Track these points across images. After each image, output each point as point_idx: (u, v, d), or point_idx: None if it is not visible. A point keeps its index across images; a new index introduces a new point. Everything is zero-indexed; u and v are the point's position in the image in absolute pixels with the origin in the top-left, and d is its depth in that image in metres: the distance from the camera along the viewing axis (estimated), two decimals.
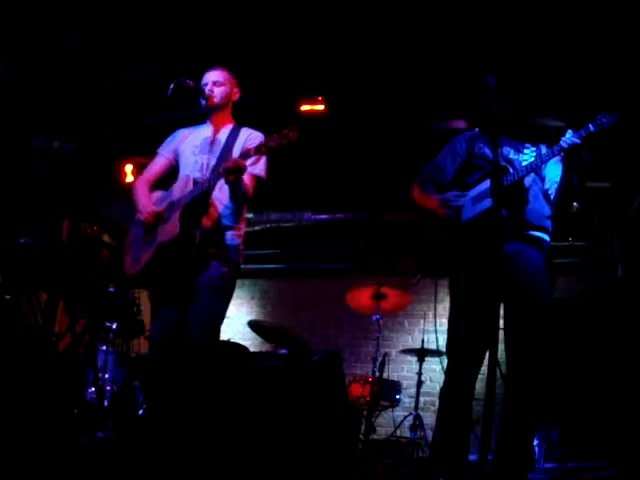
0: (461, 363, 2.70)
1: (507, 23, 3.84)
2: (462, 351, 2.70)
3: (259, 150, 2.67)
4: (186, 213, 2.79)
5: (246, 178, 2.87)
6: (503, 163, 2.78)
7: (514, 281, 2.65)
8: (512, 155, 2.86)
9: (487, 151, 2.85)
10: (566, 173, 2.73)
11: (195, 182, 2.86)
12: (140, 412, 4.41)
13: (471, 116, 2.97)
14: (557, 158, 2.74)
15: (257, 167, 2.93)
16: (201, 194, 2.82)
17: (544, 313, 2.65)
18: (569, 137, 2.60)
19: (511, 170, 2.74)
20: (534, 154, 2.83)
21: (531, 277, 2.69)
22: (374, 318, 5.57)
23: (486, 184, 2.76)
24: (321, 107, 4.77)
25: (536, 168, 2.73)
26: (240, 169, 2.64)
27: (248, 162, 2.86)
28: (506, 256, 2.63)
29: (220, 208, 2.91)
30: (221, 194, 2.91)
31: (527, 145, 2.90)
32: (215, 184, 2.84)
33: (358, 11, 3.92)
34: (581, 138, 2.58)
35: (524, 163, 2.79)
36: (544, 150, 2.79)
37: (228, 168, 2.65)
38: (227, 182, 2.73)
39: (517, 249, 2.70)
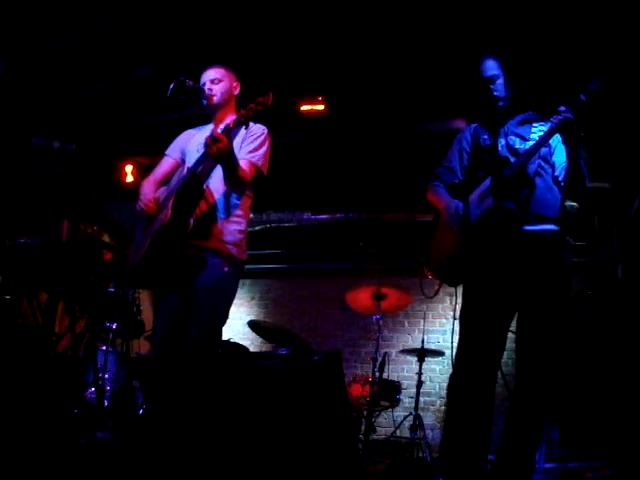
0: (476, 362, 2.58)
1: (508, 22, 3.85)
2: (477, 352, 2.59)
3: (238, 122, 2.69)
4: (179, 199, 2.78)
5: (243, 164, 2.86)
6: (506, 154, 2.68)
7: (529, 283, 2.57)
8: (518, 144, 2.73)
9: (491, 143, 2.70)
10: (569, 154, 2.58)
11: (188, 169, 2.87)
12: (140, 412, 4.40)
13: (473, 109, 2.86)
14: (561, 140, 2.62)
15: (255, 155, 2.93)
16: (192, 177, 2.81)
17: (560, 319, 2.56)
18: (560, 113, 2.49)
19: (512, 160, 2.61)
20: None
21: (547, 278, 2.58)
22: (374, 318, 5.56)
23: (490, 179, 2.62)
24: (321, 107, 4.77)
25: (535, 152, 2.59)
26: (216, 139, 2.60)
27: (246, 149, 2.89)
28: (519, 253, 2.57)
29: (216, 196, 2.90)
30: (218, 183, 2.90)
31: (535, 125, 2.75)
32: (205, 166, 2.82)
33: (358, 11, 3.92)
34: (574, 111, 2.46)
35: None
36: (541, 136, 2.63)
37: (207, 138, 2.64)
38: (211, 157, 2.69)
39: (531, 244, 2.59)
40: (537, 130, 2.73)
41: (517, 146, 2.73)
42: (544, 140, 2.58)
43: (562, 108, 2.50)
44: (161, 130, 3.44)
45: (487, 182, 2.63)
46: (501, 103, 2.76)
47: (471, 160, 2.86)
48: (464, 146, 2.91)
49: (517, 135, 2.76)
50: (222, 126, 2.77)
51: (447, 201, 2.82)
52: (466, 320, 2.68)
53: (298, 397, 2.23)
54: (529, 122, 2.79)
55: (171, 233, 2.78)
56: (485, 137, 2.79)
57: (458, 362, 2.65)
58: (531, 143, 2.68)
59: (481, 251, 2.63)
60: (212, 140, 2.60)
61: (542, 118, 2.78)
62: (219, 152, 2.62)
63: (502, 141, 2.76)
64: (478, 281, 2.66)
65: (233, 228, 2.92)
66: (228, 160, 2.72)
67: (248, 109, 2.66)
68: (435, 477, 4.27)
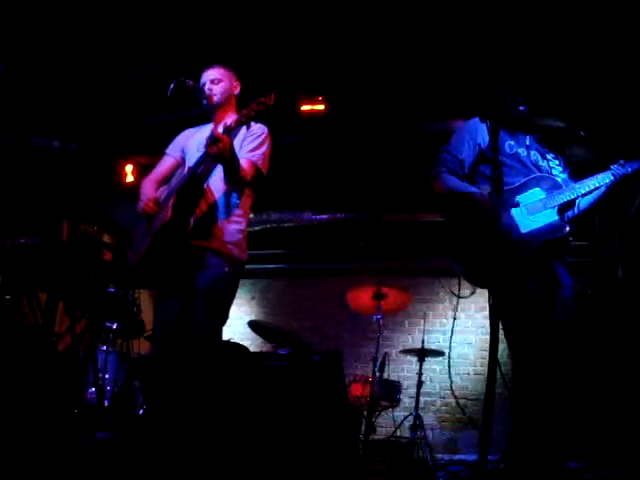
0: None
1: (508, 22, 3.84)
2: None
3: (239, 121, 2.69)
4: (179, 199, 2.79)
5: (244, 163, 2.86)
6: (534, 170, 2.77)
7: (557, 301, 2.65)
8: (540, 162, 2.82)
9: (519, 152, 2.79)
10: (605, 195, 2.73)
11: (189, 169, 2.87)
12: (140, 412, 4.41)
13: (488, 113, 2.86)
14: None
15: (255, 154, 2.93)
16: (192, 177, 2.81)
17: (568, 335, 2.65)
18: (622, 167, 2.65)
19: (564, 186, 2.72)
20: (558, 164, 2.83)
21: (570, 303, 2.69)
22: (374, 318, 5.56)
23: (538, 193, 2.70)
24: (321, 107, 4.77)
25: (591, 192, 2.70)
26: (217, 139, 2.60)
27: (246, 149, 2.90)
28: (556, 273, 2.66)
29: (216, 196, 2.90)
30: (218, 182, 2.90)
31: (550, 152, 2.88)
32: (206, 166, 2.83)
33: (358, 10, 3.92)
34: (634, 169, 2.65)
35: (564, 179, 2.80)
36: (600, 176, 2.72)
37: (208, 138, 2.64)
38: (212, 156, 2.68)
39: (563, 269, 2.72)
40: (551, 152, 2.88)
41: (540, 163, 2.82)
42: (602, 184, 2.70)
43: (621, 161, 2.68)
44: (161, 130, 3.43)
45: (532, 195, 2.71)
46: (522, 112, 2.81)
47: (479, 156, 2.85)
48: (479, 142, 2.86)
49: (539, 152, 2.86)
50: (222, 125, 2.78)
51: (479, 193, 2.75)
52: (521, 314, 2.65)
53: (298, 397, 2.23)
54: (542, 142, 2.90)
55: (171, 232, 2.78)
56: (512, 143, 2.81)
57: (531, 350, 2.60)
58: (551, 163, 2.82)
59: (532, 262, 2.63)
60: (213, 140, 2.60)
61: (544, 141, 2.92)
62: (220, 152, 2.62)
63: (524, 152, 2.83)
64: (522, 287, 2.65)
65: (233, 228, 2.91)
66: (229, 160, 2.71)
67: (250, 109, 2.65)
68: (435, 477, 4.27)
